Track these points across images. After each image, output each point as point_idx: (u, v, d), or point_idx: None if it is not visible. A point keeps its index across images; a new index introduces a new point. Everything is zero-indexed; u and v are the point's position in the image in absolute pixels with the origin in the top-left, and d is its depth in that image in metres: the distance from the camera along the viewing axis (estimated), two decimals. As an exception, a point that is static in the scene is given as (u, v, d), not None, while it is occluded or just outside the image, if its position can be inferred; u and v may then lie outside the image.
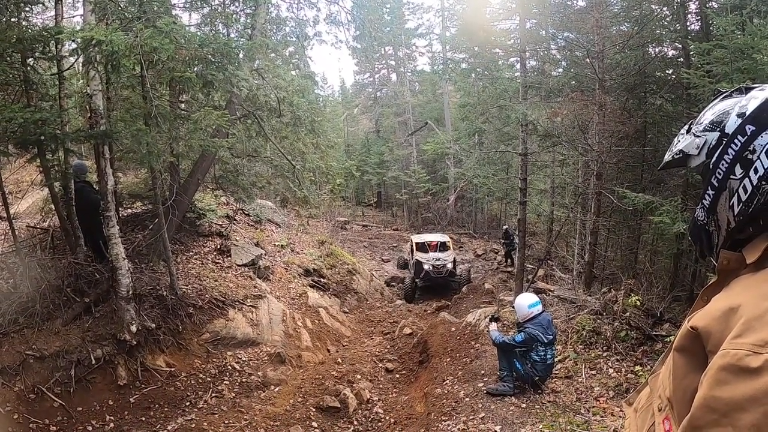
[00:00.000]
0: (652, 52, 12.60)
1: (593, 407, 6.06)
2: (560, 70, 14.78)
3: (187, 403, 7.62)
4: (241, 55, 8.26)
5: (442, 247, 19.21)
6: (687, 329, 1.12)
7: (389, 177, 34.91)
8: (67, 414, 6.61)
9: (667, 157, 1.35)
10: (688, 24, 11.30)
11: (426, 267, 17.70)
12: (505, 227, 20.96)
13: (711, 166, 1.21)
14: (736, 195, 1.15)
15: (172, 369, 8.05)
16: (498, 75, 14.84)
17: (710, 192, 1.21)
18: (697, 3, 10.89)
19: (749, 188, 1.12)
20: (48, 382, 6.65)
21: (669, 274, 11.29)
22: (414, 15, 39.53)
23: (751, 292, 1.06)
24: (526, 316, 6.78)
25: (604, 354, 7.42)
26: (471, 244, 26.00)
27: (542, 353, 6.63)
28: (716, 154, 1.19)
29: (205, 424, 7.08)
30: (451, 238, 22.66)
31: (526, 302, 6.93)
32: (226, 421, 7.22)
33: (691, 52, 9.63)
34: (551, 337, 6.73)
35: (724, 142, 1.17)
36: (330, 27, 16.35)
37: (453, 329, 9.85)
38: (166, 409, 7.39)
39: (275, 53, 11.68)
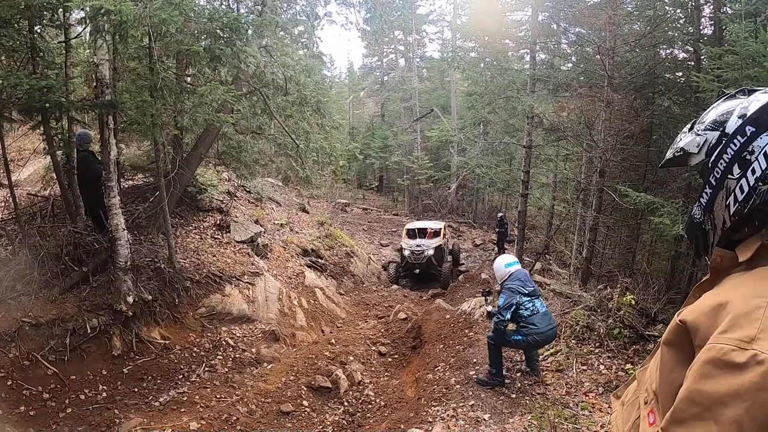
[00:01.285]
0: (663, 54, 12.52)
1: (582, 402, 6.11)
2: (569, 65, 14.71)
3: (180, 376, 7.68)
4: (250, 32, 8.21)
5: (432, 234, 18.46)
6: (676, 323, 1.15)
7: (392, 162, 34.88)
8: (61, 382, 6.66)
9: (669, 154, 1.37)
10: (701, 28, 11.21)
11: (406, 253, 17.42)
12: (500, 214, 20.84)
13: (710, 164, 1.22)
14: (732, 194, 1.17)
15: (167, 342, 8.09)
16: (507, 66, 14.80)
17: (708, 190, 1.23)
18: (711, 7, 10.80)
19: (746, 188, 1.14)
20: (43, 350, 6.70)
21: (665, 276, 11.31)
22: (426, 1, 39.46)
23: (741, 290, 1.08)
24: (504, 275, 6.77)
25: (596, 350, 7.45)
26: (470, 234, 26.04)
27: (529, 305, 6.55)
28: (715, 153, 1.21)
29: (197, 397, 7.14)
30: (450, 227, 22.63)
31: (503, 262, 6.94)
32: (218, 396, 7.28)
33: (703, 56, 9.58)
34: (531, 287, 6.69)
35: (723, 141, 1.19)
36: (341, 8, 16.35)
37: (447, 316, 9.89)
38: (159, 380, 7.45)
39: (284, 31, 11.58)
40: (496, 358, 6.67)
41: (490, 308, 7.10)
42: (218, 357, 8.37)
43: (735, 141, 1.16)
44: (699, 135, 1.27)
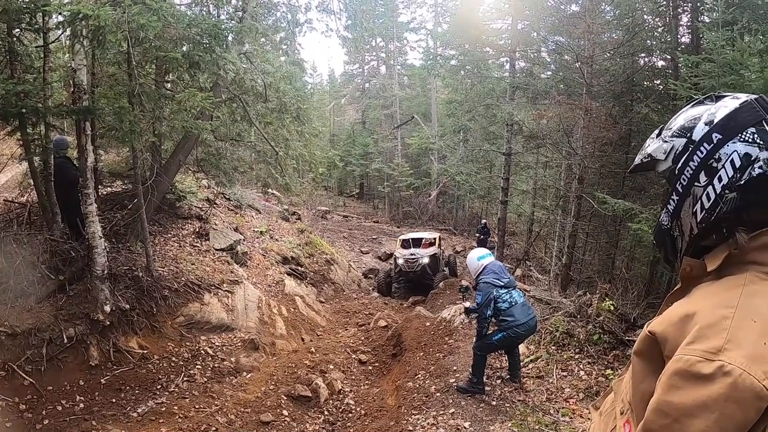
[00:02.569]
0: (642, 62, 12.71)
1: (563, 408, 6.13)
2: (549, 73, 14.87)
3: (159, 386, 7.56)
4: (230, 38, 8.19)
5: (427, 244, 17.98)
6: (645, 334, 1.15)
7: (373, 169, 34.91)
8: (37, 393, 6.53)
9: (637, 159, 1.37)
10: (679, 36, 11.41)
11: (399, 261, 17.04)
12: (483, 221, 20.94)
13: (676, 171, 1.22)
14: (699, 202, 1.17)
15: (145, 351, 7.97)
16: (487, 74, 14.92)
17: (675, 197, 1.23)
18: (689, 16, 11.01)
19: (712, 196, 1.14)
20: (19, 360, 6.56)
21: (645, 281, 11.43)
22: (408, 9, 39.57)
23: (708, 300, 1.09)
24: (478, 269, 6.66)
25: (576, 356, 7.49)
26: (451, 241, 26.11)
27: (506, 297, 6.43)
28: (682, 160, 1.21)
29: (175, 407, 7.04)
30: (442, 238, 22.68)
31: (475, 256, 6.84)
32: (197, 406, 7.18)
33: (680, 64, 9.73)
34: (507, 278, 6.60)
35: (690, 148, 1.19)
36: (321, 15, 16.32)
37: (428, 324, 9.89)
38: (137, 391, 7.33)
39: (265, 38, 11.57)
40: (480, 367, 6.62)
41: (467, 304, 7.11)
42: (197, 366, 8.26)
43: (701, 148, 1.16)
44: (666, 142, 1.26)
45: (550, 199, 16.37)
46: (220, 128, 10.32)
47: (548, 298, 9.96)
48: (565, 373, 7.16)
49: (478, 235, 20.50)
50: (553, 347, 7.87)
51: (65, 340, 7.00)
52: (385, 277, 17.26)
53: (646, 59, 12.85)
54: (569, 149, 11.98)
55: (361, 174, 38.55)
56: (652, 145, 1.31)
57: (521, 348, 7.39)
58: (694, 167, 1.18)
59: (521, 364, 7.33)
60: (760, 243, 1.12)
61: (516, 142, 14.31)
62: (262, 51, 10.67)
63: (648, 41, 12.07)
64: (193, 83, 8.63)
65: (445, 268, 17.90)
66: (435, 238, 18.44)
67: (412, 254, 16.97)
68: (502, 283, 6.48)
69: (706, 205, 1.15)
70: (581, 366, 7.23)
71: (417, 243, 17.93)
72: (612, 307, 7.69)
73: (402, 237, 19.29)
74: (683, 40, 11.40)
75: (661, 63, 12.61)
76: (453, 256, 19.80)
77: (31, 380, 6.54)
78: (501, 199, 13.44)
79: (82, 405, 6.70)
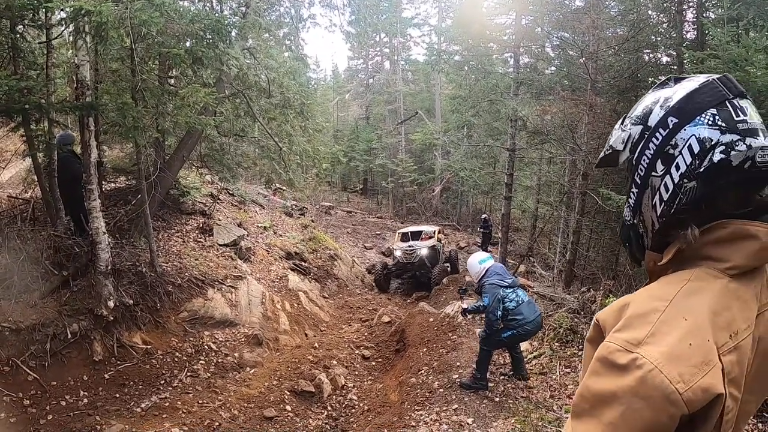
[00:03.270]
0: (647, 58, 12.64)
1: (566, 405, 6.12)
2: (553, 68, 14.81)
3: (162, 382, 7.59)
4: (233, 34, 8.17)
5: (426, 237, 17.61)
6: (594, 321, 1.12)
7: (376, 164, 34.88)
8: (42, 388, 6.56)
9: (602, 153, 1.27)
10: (684, 32, 11.35)
11: (397, 254, 16.71)
12: (484, 216, 20.78)
13: (634, 161, 1.13)
14: (657, 194, 1.08)
15: (149, 346, 8.00)
16: (491, 69, 14.82)
17: (634, 190, 1.14)
18: (694, 12, 10.94)
19: (671, 186, 1.05)
20: (23, 356, 6.60)
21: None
22: (411, 4, 39.36)
23: (646, 292, 1.05)
24: (480, 272, 6.65)
25: (580, 353, 7.47)
26: (454, 236, 26.08)
27: (512, 296, 6.43)
28: (638, 149, 1.12)
29: (179, 403, 7.06)
30: (442, 232, 22.50)
31: (477, 260, 6.81)
32: (200, 401, 7.21)
33: (685, 60, 9.68)
34: (510, 279, 6.62)
35: (646, 135, 1.10)
36: (325, 10, 16.38)
37: (431, 320, 9.88)
38: (140, 386, 7.36)
39: (268, 33, 11.54)
40: (485, 363, 6.61)
41: (465, 305, 7.09)
42: (200, 362, 8.29)
43: (657, 134, 1.07)
44: (624, 131, 1.17)
45: (554, 195, 16.36)
46: (223, 124, 10.33)
47: (552, 295, 9.96)
48: (568, 370, 7.15)
49: (481, 230, 20.35)
50: (556, 344, 7.86)
51: (69, 336, 7.03)
52: (382, 269, 16.77)
53: (651, 55, 12.79)
54: (573, 145, 11.94)
55: (364, 169, 38.53)
56: (614, 136, 1.21)
57: (525, 345, 7.38)
58: (650, 155, 1.09)
59: (524, 360, 7.31)
60: (715, 237, 1.05)
61: (520, 138, 14.25)
62: (266, 46, 10.65)
63: (653, 37, 12.02)
64: (196, 79, 8.63)
65: (446, 264, 17.55)
66: (434, 231, 18.18)
67: (410, 246, 16.66)
68: (507, 283, 6.49)
69: (665, 196, 1.06)
70: (584, 362, 7.21)
71: (416, 236, 17.75)
72: (616, 304, 7.65)
73: (401, 230, 19.13)
74: (688, 36, 11.36)
75: (665, 59, 12.55)
76: (455, 251, 19.44)
77: (35, 375, 6.57)
78: (505, 195, 13.39)
79: (86, 400, 6.73)
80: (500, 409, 6.15)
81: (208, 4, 10.07)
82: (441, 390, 6.89)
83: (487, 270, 6.64)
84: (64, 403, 6.55)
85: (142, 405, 6.94)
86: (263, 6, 11.02)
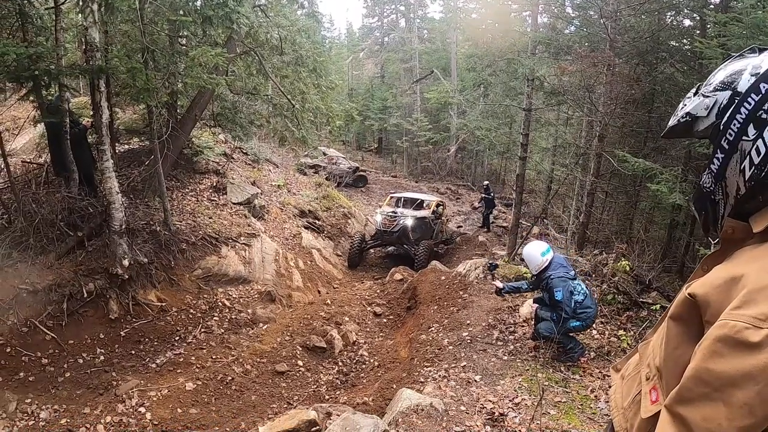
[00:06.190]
0: (669, 20, 12.28)
1: (573, 366, 6.17)
2: (572, 28, 14.44)
3: (177, 338, 7.78)
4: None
5: (417, 205, 15.55)
6: (684, 296, 1.09)
7: (391, 123, 34.57)
8: (59, 347, 6.76)
9: (672, 121, 1.29)
10: (708, -5, 10.97)
11: (377, 218, 14.63)
12: (485, 183, 20.05)
13: (722, 126, 1.14)
14: (748, 157, 1.09)
15: (163, 304, 8.17)
16: (509, 28, 14.48)
17: (719, 155, 1.15)
18: (720, -26, 10.54)
19: (763, 150, 1.06)
20: (41, 316, 6.79)
21: (662, 244, 11.34)
22: (428, -41, 38.34)
23: (757, 264, 1.02)
24: (541, 265, 6.25)
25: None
26: (468, 197, 25.99)
27: (580, 289, 6.18)
28: (728, 114, 1.13)
29: (193, 358, 7.25)
30: (441, 194, 21.78)
31: (538, 251, 6.34)
32: (214, 356, 7.39)
33: (708, 24, 9.38)
34: (573, 270, 6.36)
35: (736, 101, 1.11)
36: (338, -35, 15.90)
37: (443, 278, 9.94)
38: (155, 342, 7.55)
39: (280, -10, 11.37)
40: (570, 338, 6.31)
41: (499, 284, 6.82)
42: (214, 318, 8.45)
43: (749, 99, 1.08)
44: (707, 97, 1.18)
45: (570, 157, 16.16)
46: (235, 82, 10.28)
47: (564, 257, 9.93)
48: (577, 331, 7.17)
49: (484, 195, 19.46)
50: (566, 305, 7.87)
51: (85, 295, 7.20)
52: (359, 243, 14.07)
53: (673, 17, 12.40)
54: (591, 106, 11.73)
55: (379, 128, 38.21)
56: (691, 104, 1.22)
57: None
58: (741, 120, 1.09)
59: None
60: None
61: (537, 98, 13.98)
62: (278, 4, 10.49)
63: (675, -1, 11.62)
64: (206, 39, 8.54)
65: (439, 240, 15.89)
66: (431, 201, 15.96)
67: (393, 212, 14.49)
68: (572, 276, 6.22)
69: (756, 160, 1.07)
70: (594, 325, 7.24)
71: (410, 204, 15.68)
72: (627, 268, 7.63)
73: (393, 194, 16.99)
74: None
75: (688, 22, 12.16)
76: (456, 233, 18.09)
77: (52, 335, 6.77)
78: (520, 155, 13.22)
79: (102, 357, 6.94)
80: (508, 368, 6.22)
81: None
82: (450, 347, 6.98)
83: (550, 262, 6.26)
84: (81, 361, 6.76)
85: (157, 361, 7.14)
86: (275, -39, 10.79)
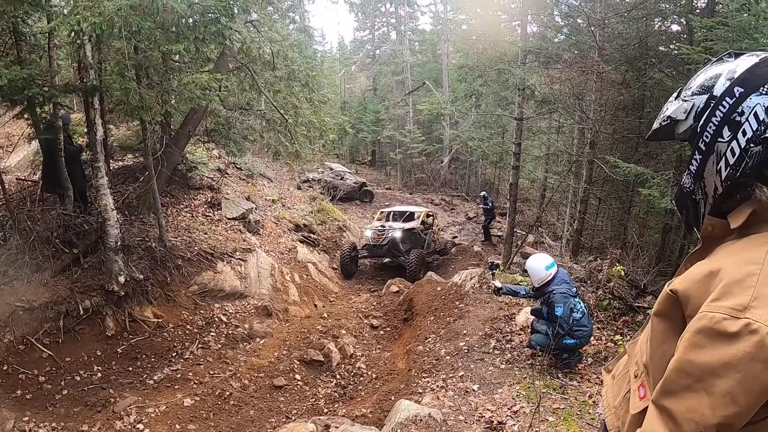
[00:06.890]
0: (656, 26, 12.41)
1: (570, 372, 6.19)
2: (561, 36, 14.57)
3: (174, 354, 7.75)
4: (235, 10, 8.08)
5: (407, 217, 15.86)
6: (666, 293, 1.13)
7: (384, 136, 34.71)
8: (56, 364, 6.73)
9: (655, 124, 1.33)
10: (694, 0, 11.09)
11: (367, 233, 14.82)
12: (482, 193, 20.00)
13: (699, 129, 1.19)
14: (723, 158, 1.13)
15: (160, 320, 8.15)
16: (499, 38, 14.61)
17: (697, 157, 1.20)
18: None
19: (737, 151, 1.11)
20: (37, 333, 6.77)
21: (656, 248, 11.37)
22: (418, -28, 38.65)
23: (733, 257, 1.06)
24: (544, 279, 6.20)
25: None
26: (463, 207, 26.06)
27: (579, 306, 6.12)
28: (704, 117, 1.18)
29: (190, 374, 7.23)
30: (435, 205, 21.86)
31: (542, 264, 6.28)
32: (211, 372, 7.37)
33: (695, 29, 9.48)
34: (574, 287, 6.34)
35: (712, 104, 1.16)
36: (328, -20, 16.05)
37: (439, 289, 9.95)
38: (152, 359, 7.52)
39: (272, 6, 11.45)
40: (566, 349, 6.22)
41: (498, 283, 6.82)
42: (211, 334, 8.44)
43: (723, 103, 1.14)
44: (686, 101, 1.24)
45: (563, 165, 16.24)
46: (228, 98, 10.31)
47: (559, 264, 9.96)
48: (573, 338, 7.18)
49: (483, 206, 19.51)
50: (562, 312, 7.88)
51: (81, 312, 7.19)
52: (350, 251, 14.11)
53: (661, 23, 12.53)
54: (581, 113, 11.83)
55: (372, 141, 38.35)
56: (672, 107, 1.28)
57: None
58: (717, 122, 1.14)
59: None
60: None
61: (528, 107, 14.09)
62: (270, 19, 10.56)
63: (662, 4, 11.74)
64: (199, 55, 8.59)
65: (431, 250, 16.01)
66: (420, 213, 16.29)
67: (382, 226, 14.80)
68: (573, 293, 6.19)
69: (731, 160, 1.12)
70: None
71: (400, 217, 16.01)
72: (623, 273, 7.66)
73: (384, 209, 17.62)
74: (699, 3, 11.09)
75: (675, 27, 12.29)
76: (451, 243, 18.08)
77: (49, 352, 6.74)
78: (513, 164, 13.29)
79: (99, 374, 6.91)
80: (506, 376, 6.22)
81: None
82: (448, 357, 6.98)
83: (553, 276, 6.22)
84: (78, 378, 6.72)
85: (155, 377, 7.11)
86: (266, -23, 10.89)
